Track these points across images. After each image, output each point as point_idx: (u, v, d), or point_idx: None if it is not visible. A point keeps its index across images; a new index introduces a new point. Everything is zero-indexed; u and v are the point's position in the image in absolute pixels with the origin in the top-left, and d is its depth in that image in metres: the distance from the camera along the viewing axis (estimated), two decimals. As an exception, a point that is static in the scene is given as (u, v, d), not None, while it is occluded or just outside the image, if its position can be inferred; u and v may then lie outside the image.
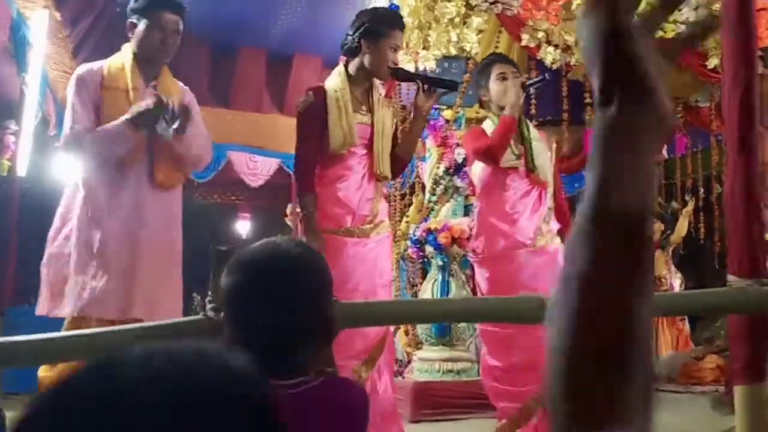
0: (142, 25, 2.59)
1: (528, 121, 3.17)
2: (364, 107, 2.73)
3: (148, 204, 2.58)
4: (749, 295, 1.38)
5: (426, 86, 2.68)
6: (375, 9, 2.77)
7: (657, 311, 1.73)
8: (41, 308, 2.54)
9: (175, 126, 2.53)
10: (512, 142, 2.95)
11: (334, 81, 2.71)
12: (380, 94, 2.82)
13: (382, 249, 2.74)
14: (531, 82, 3.04)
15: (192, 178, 8.22)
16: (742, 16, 1.58)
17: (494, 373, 2.89)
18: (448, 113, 3.95)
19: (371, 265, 2.67)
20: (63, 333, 1.61)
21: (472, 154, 3.06)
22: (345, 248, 2.63)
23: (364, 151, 2.69)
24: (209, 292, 1.30)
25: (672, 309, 1.71)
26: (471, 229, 3.62)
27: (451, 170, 3.88)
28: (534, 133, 3.11)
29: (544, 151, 3.05)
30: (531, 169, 2.95)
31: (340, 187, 2.66)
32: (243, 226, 11.75)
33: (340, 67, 2.74)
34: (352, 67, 2.71)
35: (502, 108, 2.95)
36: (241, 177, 8.21)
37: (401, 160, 2.79)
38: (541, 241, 2.95)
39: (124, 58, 2.65)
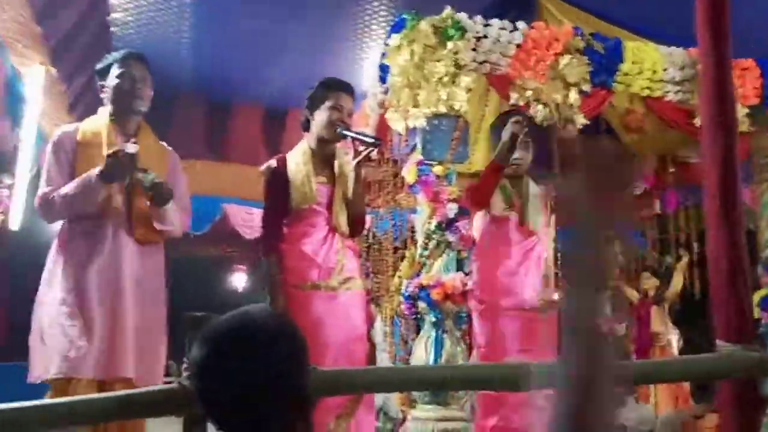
0: (111, 80, 2.69)
1: (531, 178, 3.35)
2: (326, 171, 2.90)
3: (128, 257, 2.58)
4: (736, 361, 1.36)
5: (356, 145, 2.83)
6: (318, 83, 2.94)
7: (646, 378, 1.72)
8: (33, 375, 2.51)
9: (153, 177, 2.57)
10: (508, 191, 3.10)
11: (295, 151, 2.92)
12: (346, 159, 2.94)
13: (353, 304, 2.81)
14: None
15: (187, 231, 8.26)
16: (718, 76, 1.60)
17: None
18: (438, 169, 3.97)
19: (341, 319, 2.74)
20: (44, 401, 1.58)
21: (467, 201, 3.26)
22: (313, 302, 2.72)
23: (326, 209, 2.84)
24: (185, 360, 1.28)
25: (658, 377, 1.69)
26: (464, 285, 3.63)
27: (443, 225, 3.88)
28: (533, 189, 3.29)
29: (538, 208, 3.19)
30: (522, 221, 3.08)
31: (305, 242, 2.79)
32: (239, 279, 11.70)
33: (302, 143, 2.93)
34: (310, 139, 2.91)
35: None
36: (236, 229, 8.21)
37: (354, 218, 2.89)
38: (539, 304, 3.01)
39: (99, 119, 2.71)
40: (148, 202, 2.63)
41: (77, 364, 2.44)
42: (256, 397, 1.03)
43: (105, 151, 2.58)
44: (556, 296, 3.05)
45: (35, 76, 5.47)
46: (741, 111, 4.31)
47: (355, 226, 2.90)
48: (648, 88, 4.26)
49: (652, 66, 4.22)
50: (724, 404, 1.47)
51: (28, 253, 5.59)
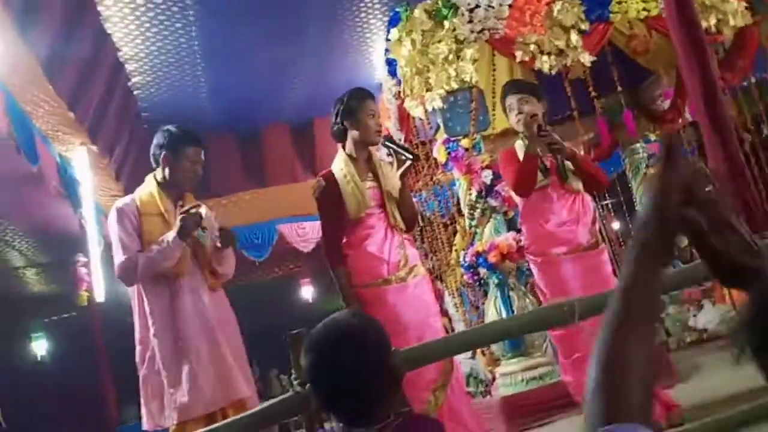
0: (180, 159, 2.94)
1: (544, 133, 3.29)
2: (370, 174, 3.08)
3: (208, 303, 2.93)
4: None
5: (398, 156, 3.03)
6: (344, 94, 3.11)
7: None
8: (148, 424, 2.85)
9: (215, 234, 2.93)
10: (542, 163, 3.18)
11: (338, 163, 3.09)
12: (380, 158, 3.15)
13: (422, 288, 3.04)
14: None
15: (252, 258, 8.66)
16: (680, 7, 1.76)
17: (568, 370, 3.08)
18: (465, 142, 4.16)
19: (416, 304, 2.96)
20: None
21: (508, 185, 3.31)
22: (387, 296, 2.95)
23: (380, 210, 3.04)
24: (292, 371, 1.55)
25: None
26: (518, 242, 3.81)
27: (483, 193, 4.08)
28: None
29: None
30: (564, 180, 3.16)
31: (369, 243, 3.00)
32: (307, 291, 12.11)
33: (340, 152, 3.11)
34: (348, 147, 3.09)
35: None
36: (293, 246, 8.57)
37: (407, 218, 3.08)
38: (591, 243, 3.15)
39: (150, 187, 2.98)
40: (217, 246, 2.97)
41: (195, 405, 2.77)
42: (360, 381, 1.29)
43: (164, 217, 2.91)
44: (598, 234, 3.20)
45: (81, 158, 5.88)
46: (739, 6, 4.35)
47: (409, 223, 3.12)
48: (645, 9, 4.34)
49: (643, -13, 4.29)
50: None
51: (118, 320, 6.04)
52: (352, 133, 3.06)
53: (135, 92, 7.05)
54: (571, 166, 3.20)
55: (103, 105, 6.18)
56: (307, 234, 8.39)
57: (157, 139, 3.00)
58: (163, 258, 2.84)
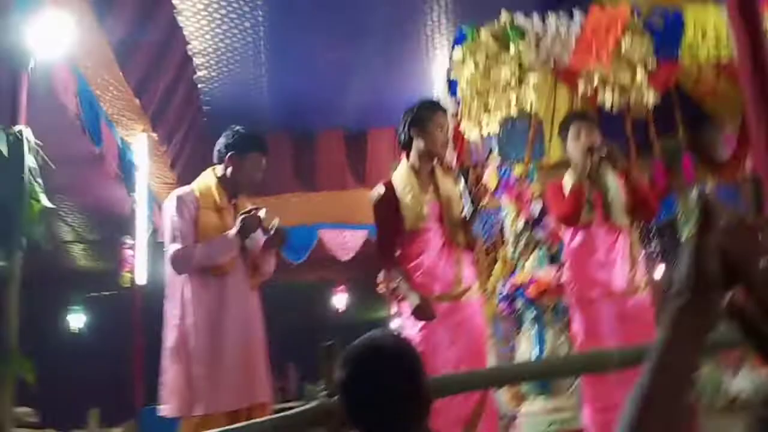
0: (247, 163, 2.99)
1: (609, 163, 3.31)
2: (430, 187, 3.03)
3: (249, 302, 2.98)
4: None
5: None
6: (415, 104, 3.09)
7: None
8: (169, 411, 2.85)
9: (266, 237, 2.98)
10: (589, 197, 3.16)
11: (400, 172, 3.05)
12: (441, 172, 3.11)
13: (474, 312, 2.96)
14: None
15: (288, 260, 8.74)
16: (752, 40, 1.70)
17: (589, 418, 3.01)
18: (518, 169, 4.12)
19: (467, 326, 2.89)
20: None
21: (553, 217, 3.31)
22: (438, 314, 2.86)
23: (438, 225, 2.97)
24: (321, 381, 1.56)
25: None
26: (559, 278, 3.76)
27: (530, 224, 4.02)
28: (612, 179, 3.28)
29: (619, 194, 3.22)
30: (607, 216, 3.13)
31: (423, 259, 2.94)
32: (339, 300, 12.12)
33: (403, 162, 3.07)
34: (412, 157, 3.05)
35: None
36: (332, 253, 8.59)
37: (469, 237, 3.05)
38: (628, 289, 3.10)
39: (209, 181, 3.03)
40: (267, 245, 3.03)
41: (222, 400, 2.80)
42: (392, 401, 1.30)
43: (221, 212, 2.98)
44: (643, 279, 3.15)
45: (140, 144, 6.04)
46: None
47: (469, 241, 3.08)
48: (715, 54, 4.23)
49: (716, 31, 4.17)
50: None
51: (156, 304, 6.14)
52: (418, 143, 3.02)
53: (199, 85, 7.21)
54: (617, 201, 3.18)
55: (168, 95, 6.33)
56: (347, 243, 8.40)
57: (226, 137, 3.04)
58: (221, 254, 2.89)
